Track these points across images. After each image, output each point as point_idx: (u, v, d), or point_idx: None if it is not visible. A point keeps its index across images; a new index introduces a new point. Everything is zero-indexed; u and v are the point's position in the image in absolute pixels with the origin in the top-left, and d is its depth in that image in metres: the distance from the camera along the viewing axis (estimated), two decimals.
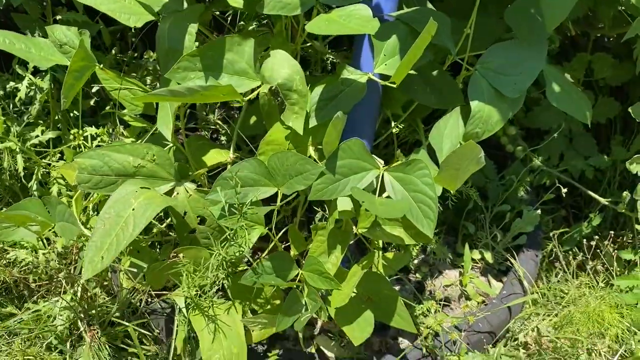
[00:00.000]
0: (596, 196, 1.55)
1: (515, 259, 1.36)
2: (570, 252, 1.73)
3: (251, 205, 0.96)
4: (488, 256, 1.41)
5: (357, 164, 0.94)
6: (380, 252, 1.22)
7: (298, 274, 1.00)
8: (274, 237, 1.02)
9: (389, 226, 0.99)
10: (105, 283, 1.33)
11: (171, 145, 1.04)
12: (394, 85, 0.96)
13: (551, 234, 1.54)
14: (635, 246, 1.55)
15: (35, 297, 1.34)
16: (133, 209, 0.90)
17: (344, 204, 0.98)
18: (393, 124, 1.32)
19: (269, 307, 1.09)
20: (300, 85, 0.94)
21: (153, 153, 0.96)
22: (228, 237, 0.91)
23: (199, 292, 1.00)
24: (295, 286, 0.99)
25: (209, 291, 0.98)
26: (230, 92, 0.88)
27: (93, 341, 1.25)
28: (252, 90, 0.97)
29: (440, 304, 1.35)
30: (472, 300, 1.37)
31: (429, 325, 1.22)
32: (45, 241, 1.35)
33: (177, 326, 1.06)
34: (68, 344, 1.30)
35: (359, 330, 0.99)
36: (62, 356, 1.30)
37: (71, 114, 1.48)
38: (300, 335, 1.06)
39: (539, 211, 1.40)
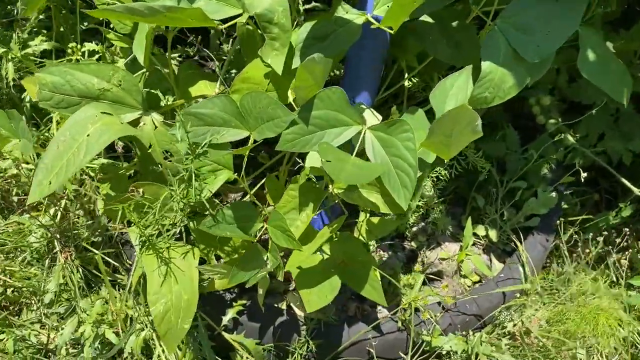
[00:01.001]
0: (629, 184, 1.39)
1: (521, 242, 1.24)
2: (593, 242, 1.59)
3: (217, 147, 0.88)
4: (493, 234, 1.29)
5: (335, 116, 0.83)
6: (367, 215, 1.13)
7: (263, 227, 0.93)
8: (244, 182, 0.94)
9: (366, 190, 0.89)
10: (91, 208, 1.30)
11: (144, 70, 0.95)
12: (391, 32, 0.83)
13: (570, 219, 1.41)
14: None
15: (20, 210, 1.33)
16: (88, 135, 0.83)
17: (315, 160, 0.88)
18: (406, 75, 1.19)
19: (236, 255, 1.02)
20: (283, 18, 0.83)
21: (119, 77, 0.89)
22: (183, 177, 0.84)
23: (159, 231, 0.95)
24: (255, 241, 0.91)
25: (167, 231, 0.92)
26: (199, 16, 0.78)
27: (67, 263, 1.23)
28: (233, 19, 0.86)
29: (426, 277, 1.26)
30: (467, 278, 1.27)
31: (411, 299, 1.13)
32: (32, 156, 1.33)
33: (135, 262, 1.01)
34: (47, 262, 1.29)
35: (318, 296, 0.91)
36: (41, 272, 1.30)
37: (78, 28, 1.41)
38: (261, 291, 1.00)
39: (554, 194, 1.26)
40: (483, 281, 1.27)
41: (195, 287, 0.92)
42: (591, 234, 1.52)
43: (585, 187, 1.70)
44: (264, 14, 0.82)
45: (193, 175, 0.80)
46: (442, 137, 0.82)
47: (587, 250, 1.49)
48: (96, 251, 1.14)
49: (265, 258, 0.92)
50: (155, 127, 0.92)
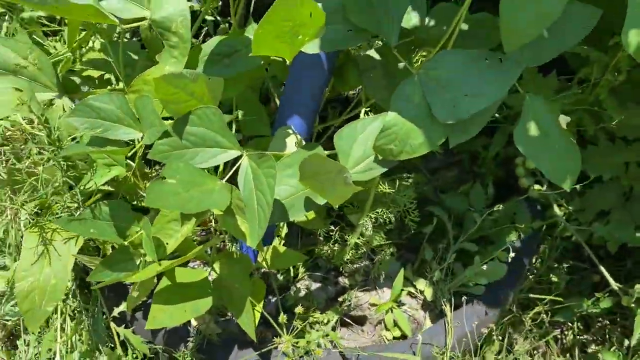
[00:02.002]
0: (608, 276, 1.25)
1: (451, 310, 1.14)
2: (565, 326, 1.45)
3: (112, 144, 0.88)
4: (428, 292, 1.20)
5: (213, 137, 0.80)
6: (281, 242, 1.08)
7: (139, 231, 0.91)
8: (138, 180, 0.93)
9: (240, 218, 0.85)
10: None
11: (65, 52, 0.97)
12: (287, 62, 0.78)
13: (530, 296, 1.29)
14: (625, 350, 1.23)
15: None
16: None
17: None
18: (363, 108, 1.13)
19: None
20: (182, 28, 0.80)
21: (35, 56, 0.90)
22: (59, 167, 0.84)
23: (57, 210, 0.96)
24: (128, 243, 0.90)
25: (56, 214, 0.94)
26: (95, 13, 0.77)
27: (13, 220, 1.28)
28: (140, 20, 0.85)
29: (347, 320, 1.19)
30: (389, 331, 1.19)
31: (310, 340, 1.08)
32: None
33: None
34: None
35: (170, 314, 0.88)
36: None
37: None
38: (135, 295, 0.98)
39: (494, 264, 1.14)
40: (408, 338, 1.18)
41: (66, 274, 0.93)
42: (561, 318, 1.38)
43: (587, 266, 1.55)
44: (162, 22, 0.81)
45: (40, 170, 0.81)
46: (313, 182, 0.77)
47: (560, 335, 1.37)
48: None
49: (138, 262, 0.91)
50: (65, 111, 0.94)
